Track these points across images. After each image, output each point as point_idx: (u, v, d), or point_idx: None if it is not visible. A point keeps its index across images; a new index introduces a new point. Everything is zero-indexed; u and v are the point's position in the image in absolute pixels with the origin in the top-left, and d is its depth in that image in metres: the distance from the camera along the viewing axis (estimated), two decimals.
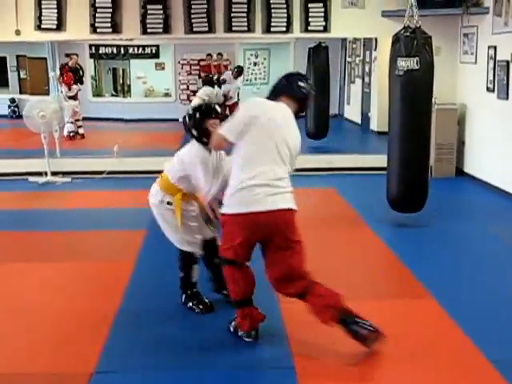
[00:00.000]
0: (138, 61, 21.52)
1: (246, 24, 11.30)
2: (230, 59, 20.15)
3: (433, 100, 8.05)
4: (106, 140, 14.82)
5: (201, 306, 5.63)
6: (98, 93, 21.67)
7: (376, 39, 15.74)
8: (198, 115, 5.49)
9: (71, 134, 15.90)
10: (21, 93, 21.65)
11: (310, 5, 11.31)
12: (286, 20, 11.32)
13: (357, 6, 11.37)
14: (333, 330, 5.17)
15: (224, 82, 16.97)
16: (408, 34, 7.60)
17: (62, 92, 16.35)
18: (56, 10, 11.20)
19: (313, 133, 14.42)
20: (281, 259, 4.84)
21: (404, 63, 7.60)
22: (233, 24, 11.31)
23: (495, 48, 10.06)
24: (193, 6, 11.27)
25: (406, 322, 5.50)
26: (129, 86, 22.15)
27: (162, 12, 11.27)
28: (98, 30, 11.39)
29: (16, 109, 20.50)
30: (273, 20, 11.31)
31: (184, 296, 5.74)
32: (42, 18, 11.23)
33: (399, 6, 10.08)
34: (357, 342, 4.79)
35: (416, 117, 7.80)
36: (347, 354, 4.85)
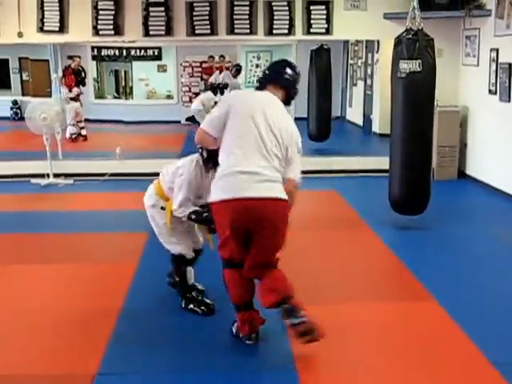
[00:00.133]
0: (140, 63, 21.48)
1: (248, 26, 11.30)
2: (232, 61, 20.12)
3: (435, 102, 8.05)
4: (108, 142, 14.82)
5: (203, 307, 5.63)
6: (100, 95, 21.65)
7: (378, 41, 15.72)
8: None
9: (73, 136, 15.91)
10: (23, 95, 21.61)
11: (312, 7, 11.32)
12: (288, 22, 11.32)
13: (359, 8, 11.37)
14: (334, 331, 5.18)
15: (226, 87, 16.95)
16: (410, 36, 7.59)
17: (62, 94, 16.36)
18: (58, 12, 11.20)
19: (315, 135, 14.42)
20: (260, 248, 4.79)
21: (406, 65, 7.60)
22: (235, 26, 11.31)
23: (497, 50, 10.06)
24: (195, 9, 11.28)
25: (408, 323, 5.50)
26: (131, 88, 22.12)
27: (164, 14, 11.27)
28: (101, 32, 11.39)
29: (18, 111, 20.48)
30: (275, 22, 11.32)
31: (184, 300, 5.75)
32: (45, 20, 11.23)
33: (401, 9, 10.07)
34: (358, 345, 4.79)
35: (418, 119, 7.80)
36: (349, 356, 4.85)
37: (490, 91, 10.36)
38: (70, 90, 16.02)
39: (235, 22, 11.32)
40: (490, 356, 4.78)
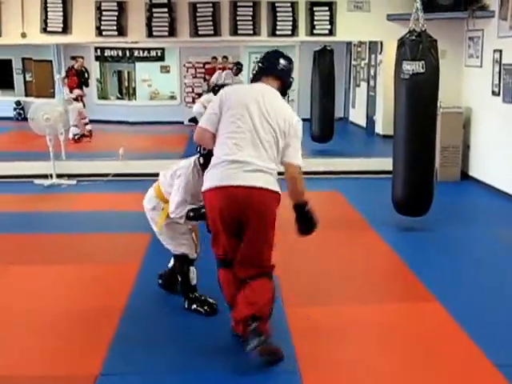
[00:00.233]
0: (144, 64, 21.52)
1: (251, 27, 11.30)
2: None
3: (438, 103, 8.04)
4: (111, 143, 14.83)
5: (206, 307, 5.63)
6: (103, 95, 21.70)
7: (381, 43, 15.74)
8: None
9: (76, 137, 15.92)
10: (26, 95, 21.68)
11: (315, 8, 11.32)
12: (291, 23, 11.32)
13: (362, 9, 11.37)
14: (338, 334, 5.19)
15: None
16: (414, 37, 7.59)
17: (64, 94, 16.39)
18: (62, 13, 11.20)
19: (318, 136, 14.44)
20: (249, 241, 4.76)
21: (409, 67, 7.59)
22: (238, 27, 11.31)
23: (501, 52, 10.05)
24: (198, 10, 11.28)
25: (410, 324, 5.50)
26: (134, 89, 22.15)
27: (167, 15, 11.27)
28: (104, 33, 11.40)
29: (21, 111, 20.52)
30: (278, 23, 11.32)
31: (187, 301, 5.76)
32: (48, 20, 11.24)
33: (404, 10, 10.05)
34: (362, 346, 4.79)
35: (421, 120, 7.79)
36: (351, 357, 4.85)
37: (493, 92, 10.36)
38: (71, 91, 16.04)
39: (238, 22, 11.32)
40: (492, 357, 4.78)
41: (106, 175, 11.35)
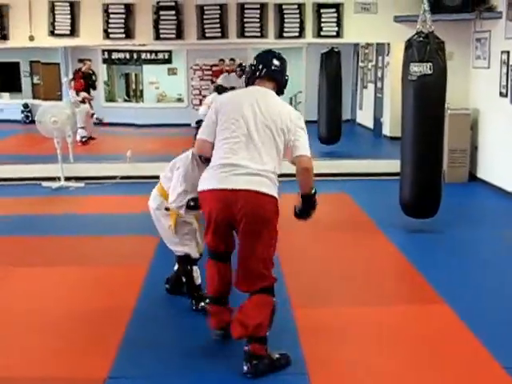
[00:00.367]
0: (151, 66, 21.56)
1: (258, 29, 11.32)
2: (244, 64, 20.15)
3: (445, 105, 8.04)
4: (118, 145, 14.86)
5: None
6: (110, 98, 21.72)
7: (388, 44, 15.73)
8: None
9: (84, 140, 15.95)
10: (34, 98, 21.72)
11: (322, 10, 11.32)
12: (298, 25, 11.33)
13: (369, 11, 11.37)
14: (345, 335, 5.18)
15: (233, 89, 16.91)
16: (421, 39, 7.59)
17: (70, 97, 16.43)
18: (69, 16, 11.25)
19: (325, 138, 14.44)
20: (244, 249, 4.68)
21: (417, 68, 7.59)
22: (245, 29, 11.32)
23: (508, 53, 10.03)
24: (205, 12, 11.30)
25: (419, 326, 5.49)
26: (141, 92, 22.20)
27: (174, 18, 11.30)
28: (111, 36, 11.44)
29: (29, 114, 20.55)
30: (285, 25, 11.33)
31: (194, 301, 5.77)
32: (56, 23, 11.28)
33: (412, 12, 10.05)
34: (370, 349, 4.79)
35: (429, 122, 7.79)
36: (360, 360, 4.85)
37: (500, 94, 10.34)
38: (78, 94, 16.07)
39: (245, 25, 11.34)
40: (500, 359, 4.77)
41: (114, 178, 11.37)
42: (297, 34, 11.42)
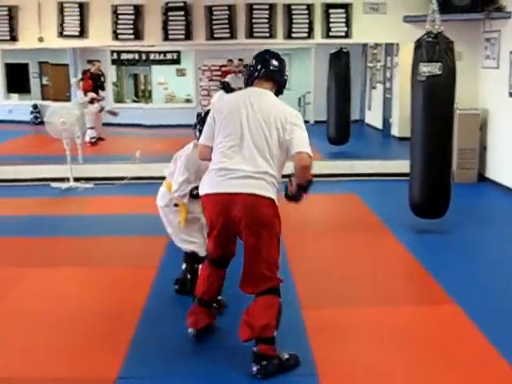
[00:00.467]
0: (159, 67, 21.60)
1: (267, 30, 11.32)
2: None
3: (455, 105, 8.02)
4: (127, 146, 14.87)
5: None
6: (119, 99, 21.76)
7: (397, 44, 15.70)
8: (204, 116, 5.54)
9: (93, 140, 15.98)
10: (43, 99, 21.75)
11: (331, 10, 11.32)
12: (307, 26, 11.33)
13: (378, 11, 11.35)
14: (355, 336, 5.18)
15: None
16: (430, 39, 7.58)
17: (78, 98, 16.47)
18: (78, 17, 11.28)
19: (334, 138, 14.45)
20: (246, 252, 4.71)
21: (426, 68, 7.58)
22: (254, 30, 11.33)
23: None
24: (214, 13, 11.31)
25: (429, 327, 5.48)
26: (150, 92, 22.24)
27: (183, 18, 11.31)
28: (120, 37, 11.46)
29: (38, 115, 20.59)
30: (294, 26, 11.33)
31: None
32: (65, 24, 11.31)
33: (420, 12, 10.04)
34: (379, 349, 4.78)
35: (438, 122, 7.78)
36: (370, 361, 4.84)
37: (510, 94, 10.31)
38: (86, 94, 16.09)
39: (254, 25, 11.34)
40: (510, 359, 4.76)
41: (123, 178, 11.38)
42: (305, 35, 11.42)
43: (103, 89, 16.89)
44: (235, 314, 5.29)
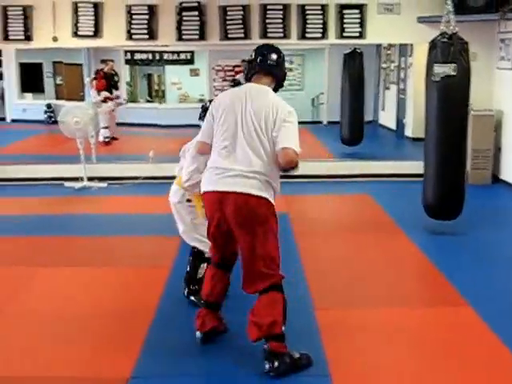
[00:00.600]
0: (173, 67, 21.59)
1: (281, 30, 11.30)
2: None
3: (469, 106, 8.00)
4: (141, 146, 14.88)
5: (202, 301, 5.55)
6: (133, 99, 21.76)
7: (411, 45, 15.66)
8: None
9: (106, 140, 16.01)
10: (57, 98, 21.79)
11: (345, 11, 11.29)
12: (321, 26, 11.30)
13: (392, 11, 11.32)
14: (368, 337, 5.17)
15: None
16: (445, 39, 7.56)
17: (91, 97, 16.52)
18: (93, 17, 11.30)
19: (347, 139, 14.43)
20: (242, 251, 4.74)
21: (441, 69, 7.56)
22: (268, 30, 11.31)
23: None
24: (228, 13, 11.30)
25: (443, 329, 5.47)
26: (163, 92, 22.25)
27: (197, 19, 11.31)
28: (134, 37, 11.47)
29: (52, 114, 20.63)
30: (308, 26, 11.31)
31: (187, 290, 5.95)
32: (79, 24, 11.33)
33: (435, 12, 10.02)
34: (392, 350, 4.77)
35: (452, 123, 7.76)
36: (383, 362, 4.83)
37: None
38: (99, 94, 16.13)
39: (268, 25, 11.32)
40: None
41: (137, 178, 11.40)
42: (319, 35, 11.40)
43: (117, 88, 16.93)
44: (244, 314, 5.34)
